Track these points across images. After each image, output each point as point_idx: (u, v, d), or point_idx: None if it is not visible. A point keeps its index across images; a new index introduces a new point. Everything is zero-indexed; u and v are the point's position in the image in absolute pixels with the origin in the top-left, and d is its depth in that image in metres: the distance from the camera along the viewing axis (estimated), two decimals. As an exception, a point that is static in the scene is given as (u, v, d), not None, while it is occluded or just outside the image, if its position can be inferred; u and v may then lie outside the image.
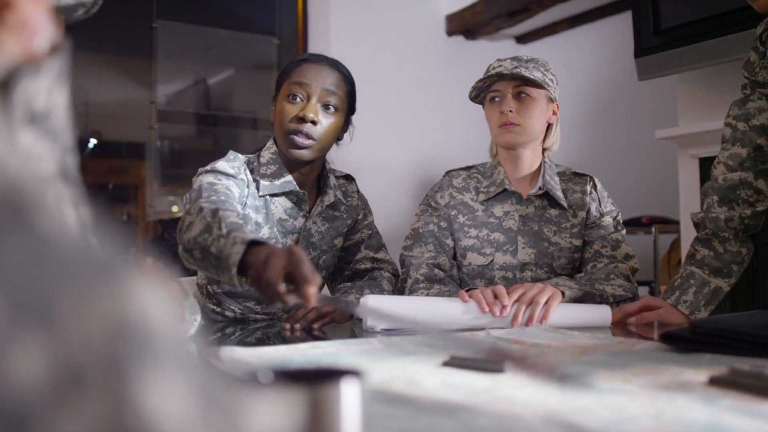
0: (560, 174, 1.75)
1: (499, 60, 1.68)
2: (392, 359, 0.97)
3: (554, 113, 1.71)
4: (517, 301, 1.38)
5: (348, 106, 1.60)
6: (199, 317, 1.23)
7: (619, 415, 0.65)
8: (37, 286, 0.19)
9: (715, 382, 0.76)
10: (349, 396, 0.46)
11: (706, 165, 2.51)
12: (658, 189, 3.47)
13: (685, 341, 1.01)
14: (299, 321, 1.38)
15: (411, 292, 1.60)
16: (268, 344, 1.19)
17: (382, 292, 1.60)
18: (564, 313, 1.40)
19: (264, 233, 1.56)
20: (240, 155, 1.60)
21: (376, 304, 1.35)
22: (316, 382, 0.46)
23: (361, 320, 1.39)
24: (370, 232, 1.73)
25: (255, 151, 1.65)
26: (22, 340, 0.18)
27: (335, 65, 1.58)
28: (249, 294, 1.58)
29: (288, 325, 1.38)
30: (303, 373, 0.48)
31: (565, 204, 1.69)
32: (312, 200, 1.64)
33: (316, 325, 1.38)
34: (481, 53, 3.93)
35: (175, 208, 4.68)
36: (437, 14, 3.91)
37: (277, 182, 1.57)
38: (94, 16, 0.69)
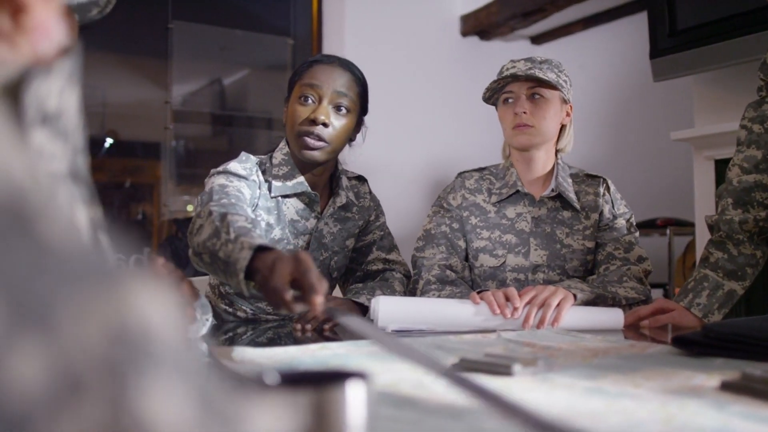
0: (573, 176, 1.74)
1: (512, 61, 1.67)
2: (401, 360, 0.96)
3: (568, 114, 1.70)
4: (528, 303, 1.38)
5: (360, 107, 1.60)
6: (210, 317, 1.24)
7: (628, 420, 0.64)
8: (36, 292, 0.19)
9: (726, 387, 0.76)
10: (354, 398, 0.46)
11: (721, 167, 2.49)
12: (672, 190, 3.45)
13: (697, 345, 1.00)
14: (310, 321, 1.38)
15: (422, 294, 1.60)
16: (279, 344, 1.19)
17: (393, 293, 1.60)
18: (576, 315, 1.39)
19: (276, 234, 1.56)
20: (252, 156, 1.60)
21: (388, 305, 1.35)
22: (322, 384, 0.46)
23: (372, 321, 1.39)
24: (382, 233, 1.73)
25: (267, 152, 1.65)
26: (21, 346, 0.18)
27: (347, 66, 1.58)
28: (259, 295, 1.59)
29: (299, 326, 1.38)
30: (309, 375, 0.48)
31: (577, 206, 1.68)
32: (324, 201, 1.65)
33: (327, 326, 1.38)
34: (496, 54, 3.92)
35: (190, 208, 4.70)
36: (452, 15, 3.90)
37: (289, 183, 1.57)
38: (109, 16, 0.70)
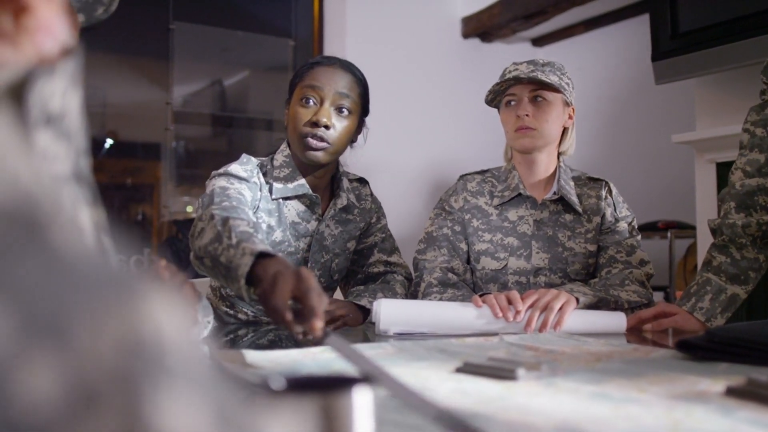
0: (575, 179, 1.74)
1: (515, 63, 1.67)
2: (404, 364, 0.96)
3: (570, 117, 1.70)
4: (531, 306, 1.37)
5: (361, 109, 1.59)
6: (211, 319, 1.23)
7: (635, 426, 0.64)
8: (49, 303, 0.18)
9: (732, 392, 0.75)
10: (361, 404, 0.46)
11: (723, 170, 2.49)
12: (674, 193, 3.44)
13: (701, 350, 0.99)
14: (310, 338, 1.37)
15: (424, 296, 1.60)
16: (281, 346, 1.19)
17: (395, 295, 1.60)
18: (578, 319, 1.39)
19: (277, 236, 1.55)
20: (253, 158, 1.60)
21: (390, 308, 1.34)
22: (329, 389, 0.45)
23: (373, 324, 1.39)
24: (383, 235, 1.73)
25: (269, 154, 1.65)
26: (34, 358, 0.18)
27: (348, 67, 1.58)
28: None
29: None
30: (315, 381, 0.48)
31: (579, 209, 1.68)
32: (325, 203, 1.64)
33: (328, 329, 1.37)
34: (497, 56, 3.92)
35: (189, 209, 4.70)
36: (453, 17, 3.90)
37: (291, 185, 1.57)
38: (111, 17, 0.69)
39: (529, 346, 1.14)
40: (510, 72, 1.64)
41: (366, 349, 1.09)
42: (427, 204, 3.62)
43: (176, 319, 0.21)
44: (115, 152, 5.29)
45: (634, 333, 1.41)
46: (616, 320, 1.42)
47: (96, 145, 4.85)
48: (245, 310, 1.63)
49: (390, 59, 3.62)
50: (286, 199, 1.57)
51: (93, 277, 0.20)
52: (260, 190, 1.55)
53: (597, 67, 3.91)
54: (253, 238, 1.21)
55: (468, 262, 1.71)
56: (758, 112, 1.50)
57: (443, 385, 0.82)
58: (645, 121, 3.73)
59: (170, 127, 4.16)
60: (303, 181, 1.57)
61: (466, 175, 1.77)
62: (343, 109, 1.54)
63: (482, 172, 1.78)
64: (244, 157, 1.59)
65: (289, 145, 1.61)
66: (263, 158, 1.63)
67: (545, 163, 1.70)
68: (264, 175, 1.58)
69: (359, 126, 1.62)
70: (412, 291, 1.66)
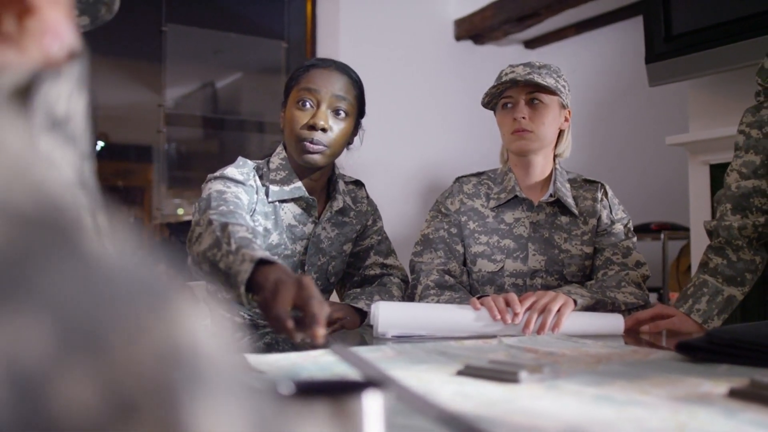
0: (571, 181, 1.74)
1: (511, 66, 1.67)
2: (405, 367, 0.96)
3: (566, 119, 1.70)
4: (529, 308, 1.37)
5: (358, 110, 1.59)
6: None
7: (641, 428, 0.64)
8: (86, 313, 0.18)
9: (735, 394, 0.75)
10: (372, 408, 0.45)
11: (716, 171, 2.50)
12: (667, 195, 3.45)
13: (701, 351, 0.99)
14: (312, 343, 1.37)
15: (421, 299, 1.59)
16: (278, 350, 1.18)
17: (391, 298, 1.60)
18: (576, 321, 1.39)
19: (273, 239, 1.55)
20: (249, 161, 1.59)
21: (388, 310, 1.34)
22: (339, 394, 0.45)
23: (370, 326, 1.38)
24: (379, 237, 1.73)
25: (264, 157, 1.64)
26: (73, 369, 0.17)
27: (344, 69, 1.58)
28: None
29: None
30: (325, 385, 0.47)
31: (576, 211, 1.68)
32: (321, 206, 1.64)
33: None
34: (489, 58, 3.92)
35: (180, 211, 4.68)
36: (446, 19, 3.91)
37: (287, 188, 1.56)
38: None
39: (528, 348, 1.14)
40: (506, 74, 1.65)
41: (365, 352, 1.08)
42: (419, 205, 3.62)
43: (211, 326, 0.20)
44: (107, 154, 5.26)
45: (631, 334, 1.42)
46: (614, 322, 1.42)
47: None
48: (242, 313, 1.62)
49: (383, 61, 3.62)
50: (282, 201, 1.57)
51: (126, 284, 0.19)
52: (257, 193, 1.55)
53: (589, 69, 3.92)
54: (253, 245, 1.20)
55: (464, 264, 1.71)
56: (753, 114, 1.50)
57: (445, 388, 0.81)
58: (637, 122, 3.74)
59: (162, 130, 4.14)
60: (299, 183, 1.57)
61: (462, 177, 1.77)
62: (340, 112, 1.53)
63: (478, 175, 1.78)
64: (240, 160, 1.58)
65: (285, 147, 1.60)
66: (259, 161, 1.62)
67: (541, 165, 1.70)
68: (260, 177, 1.57)
69: (355, 128, 1.62)
70: (409, 293, 1.66)
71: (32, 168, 0.20)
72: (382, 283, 1.66)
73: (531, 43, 4.14)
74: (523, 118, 1.62)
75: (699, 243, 2.49)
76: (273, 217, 1.56)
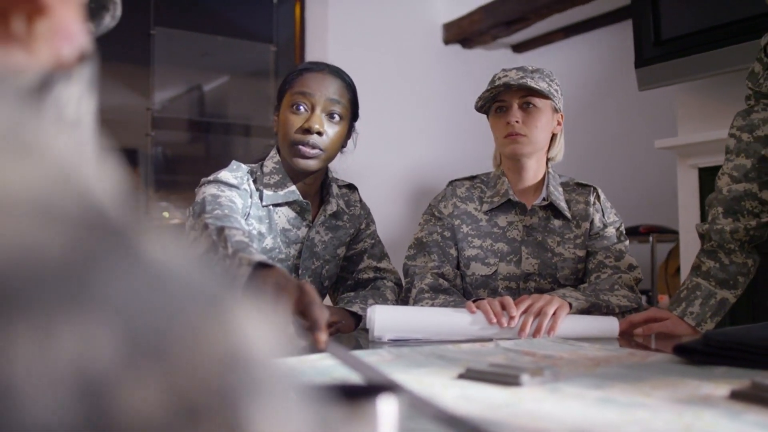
0: (564, 184, 1.75)
1: (504, 70, 1.67)
2: (404, 371, 0.96)
3: (559, 123, 1.71)
4: (524, 312, 1.38)
5: (351, 114, 1.59)
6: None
7: (646, 430, 0.64)
8: (150, 318, 0.18)
9: (736, 396, 0.76)
10: (386, 413, 0.45)
11: (705, 174, 2.52)
12: (655, 198, 3.48)
13: (698, 353, 1.00)
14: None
15: (416, 302, 1.59)
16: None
17: (385, 301, 1.60)
18: (571, 324, 1.40)
19: (267, 243, 1.54)
20: (243, 165, 1.59)
21: (383, 314, 1.34)
22: (353, 398, 0.45)
23: (365, 330, 1.38)
24: (372, 241, 1.73)
25: (258, 161, 1.64)
26: (138, 375, 0.17)
27: (337, 73, 1.58)
28: None
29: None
30: (339, 389, 0.47)
31: (568, 215, 1.69)
32: (315, 210, 1.63)
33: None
34: (478, 62, 3.94)
35: (166, 214, 4.65)
36: (434, 23, 3.91)
37: (281, 192, 1.56)
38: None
39: (525, 351, 1.14)
40: (500, 78, 1.65)
41: (363, 356, 1.08)
42: (409, 208, 3.62)
43: (266, 329, 0.20)
44: (93, 158, 5.23)
45: (625, 337, 1.42)
46: (609, 325, 1.43)
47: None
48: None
49: (371, 65, 3.62)
50: (276, 205, 1.57)
51: (184, 288, 0.19)
52: (250, 197, 1.54)
53: (577, 73, 3.94)
54: (250, 248, 1.20)
55: (458, 267, 1.71)
56: (744, 118, 1.52)
57: (447, 392, 0.81)
58: (626, 126, 3.77)
59: (150, 133, 4.12)
60: (293, 187, 1.57)
61: (455, 181, 1.78)
62: (334, 115, 1.53)
63: (471, 178, 1.78)
64: (234, 163, 1.58)
65: (278, 151, 1.60)
66: (253, 165, 1.61)
67: (534, 169, 1.71)
68: (254, 181, 1.57)
69: (349, 131, 1.62)
70: (403, 297, 1.66)
71: (80, 171, 0.20)
72: (376, 287, 1.66)
73: (519, 47, 4.16)
74: (517, 122, 1.62)
75: (687, 246, 2.51)
76: (267, 221, 1.55)
